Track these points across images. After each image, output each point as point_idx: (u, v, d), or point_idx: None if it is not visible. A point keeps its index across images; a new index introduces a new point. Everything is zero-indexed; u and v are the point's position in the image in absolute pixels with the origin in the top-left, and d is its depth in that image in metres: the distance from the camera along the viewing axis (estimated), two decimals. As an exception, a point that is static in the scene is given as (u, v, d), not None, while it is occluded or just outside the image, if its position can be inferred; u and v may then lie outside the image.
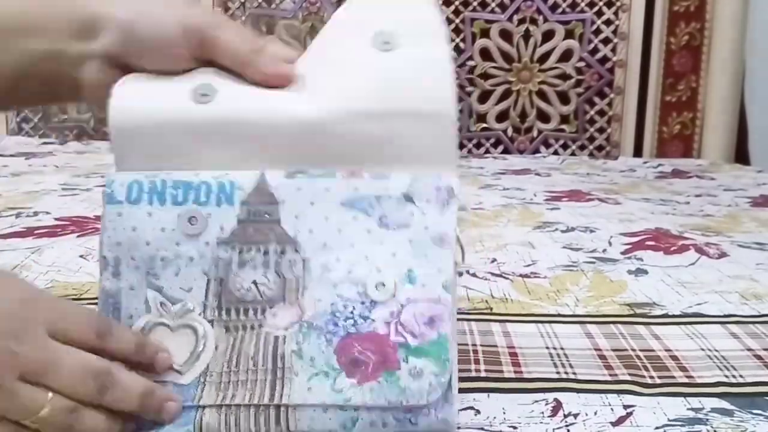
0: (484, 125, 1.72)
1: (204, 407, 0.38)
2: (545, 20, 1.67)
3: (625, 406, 0.42)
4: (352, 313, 0.38)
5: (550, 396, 0.43)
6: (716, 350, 0.50)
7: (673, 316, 0.57)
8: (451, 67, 0.43)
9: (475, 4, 1.68)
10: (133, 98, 0.42)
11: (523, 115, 1.71)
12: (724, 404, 0.42)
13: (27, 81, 0.46)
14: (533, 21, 1.67)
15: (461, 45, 1.69)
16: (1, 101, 0.50)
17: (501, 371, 0.46)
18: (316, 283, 0.39)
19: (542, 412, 0.41)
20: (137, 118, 0.42)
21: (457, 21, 1.68)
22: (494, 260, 0.72)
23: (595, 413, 0.41)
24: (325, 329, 0.38)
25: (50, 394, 0.34)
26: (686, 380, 0.45)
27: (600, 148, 1.71)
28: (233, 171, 0.41)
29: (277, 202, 0.40)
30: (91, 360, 0.36)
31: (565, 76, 1.68)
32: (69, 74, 0.45)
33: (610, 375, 0.46)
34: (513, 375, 0.46)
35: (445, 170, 0.41)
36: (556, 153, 1.70)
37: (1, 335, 0.34)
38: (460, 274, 0.67)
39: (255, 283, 0.40)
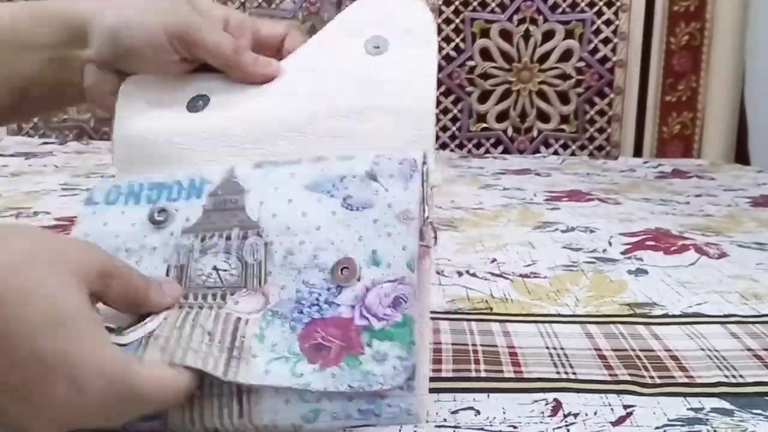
0: (484, 125, 1.72)
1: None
2: (545, 20, 1.67)
3: (625, 406, 0.42)
4: (317, 299, 0.37)
5: (550, 396, 0.43)
6: (716, 350, 0.50)
7: (673, 316, 0.57)
8: (435, 68, 0.44)
9: (475, 4, 1.68)
10: (134, 111, 0.44)
11: (523, 115, 1.71)
12: (724, 404, 0.42)
13: (34, 91, 0.47)
14: (533, 21, 1.67)
15: (461, 45, 1.69)
16: (12, 113, 0.51)
17: (501, 371, 0.46)
18: (279, 269, 0.38)
19: (542, 412, 0.41)
20: (138, 133, 0.44)
21: (457, 21, 1.68)
22: (494, 260, 0.72)
23: (595, 413, 0.41)
24: (290, 317, 0.37)
25: None
26: (686, 380, 0.45)
27: (600, 148, 1.71)
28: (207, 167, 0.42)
29: (243, 190, 0.40)
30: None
31: (565, 76, 1.68)
32: (72, 79, 0.46)
33: (610, 375, 0.46)
34: (513, 375, 0.46)
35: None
36: (556, 153, 1.70)
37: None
38: (459, 274, 0.67)
39: (216, 269, 0.39)
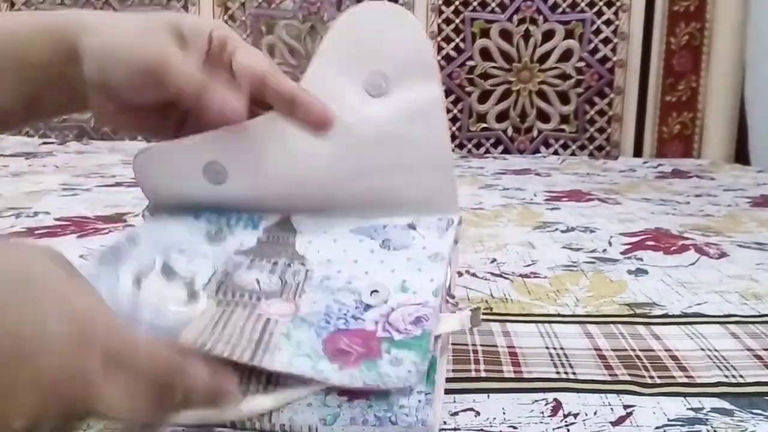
0: (484, 125, 1.72)
1: None
2: (545, 20, 1.67)
3: (625, 406, 0.42)
4: (345, 314, 0.40)
5: (550, 396, 0.43)
6: (716, 350, 0.50)
7: (673, 316, 0.57)
8: (443, 107, 0.46)
9: (475, 4, 1.68)
10: (152, 177, 0.46)
11: (523, 115, 1.71)
12: (724, 404, 0.42)
13: (44, 100, 0.47)
14: (533, 21, 1.67)
15: (461, 45, 1.69)
16: (22, 120, 0.50)
17: (501, 371, 0.46)
18: (314, 289, 0.41)
19: (542, 412, 0.41)
20: (161, 197, 0.46)
21: (457, 21, 1.68)
22: (494, 260, 0.72)
23: (595, 413, 0.41)
24: (316, 325, 0.40)
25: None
26: (686, 380, 0.45)
27: (600, 148, 1.71)
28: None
29: (296, 231, 0.45)
30: (145, 402, 0.31)
31: (565, 76, 1.68)
32: (78, 92, 0.45)
33: (610, 375, 0.46)
34: (513, 375, 0.46)
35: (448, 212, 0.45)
36: (556, 153, 1.70)
37: (52, 381, 0.29)
38: (459, 274, 0.67)
39: (258, 280, 0.42)
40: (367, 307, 0.40)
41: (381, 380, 0.36)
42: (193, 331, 0.37)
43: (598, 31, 1.67)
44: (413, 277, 0.41)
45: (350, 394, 0.37)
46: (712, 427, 0.39)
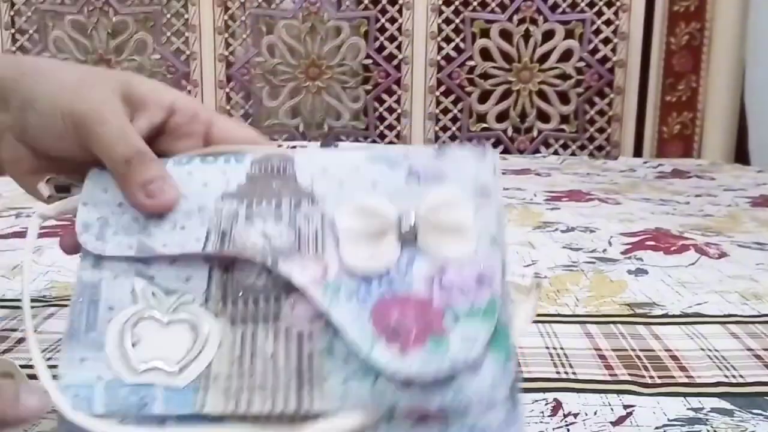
0: (484, 125, 1.72)
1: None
2: (545, 20, 1.67)
3: (625, 406, 0.42)
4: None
5: (550, 396, 0.43)
6: (716, 350, 0.50)
7: (673, 316, 0.57)
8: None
9: (475, 4, 1.68)
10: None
11: (523, 115, 1.71)
12: (724, 404, 0.42)
13: None
14: (533, 21, 1.67)
15: (461, 45, 1.69)
16: None
17: (501, 371, 0.46)
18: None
19: (542, 412, 0.41)
20: None
21: (457, 21, 1.68)
22: (494, 260, 0.72)
23: (595, 413, 0.41)
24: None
25: None
26: (686, 380, 0.45)
27: (600, 148, 1.71)
28: None
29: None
30: None
31: (565, 76, 1.68)
32: None
33: (610, 375, 0.46)
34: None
35: None
36: (556, 153, 1.70)
37: None
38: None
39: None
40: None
41: (458, 396, 0.29)
42: (218, 390, 0.30)
43: (598, 31, 1.67)
44: None
45: (419, 414, 0.29)
46: (712, 427, 0.39)
